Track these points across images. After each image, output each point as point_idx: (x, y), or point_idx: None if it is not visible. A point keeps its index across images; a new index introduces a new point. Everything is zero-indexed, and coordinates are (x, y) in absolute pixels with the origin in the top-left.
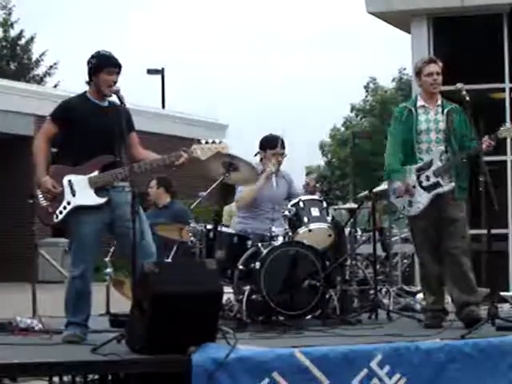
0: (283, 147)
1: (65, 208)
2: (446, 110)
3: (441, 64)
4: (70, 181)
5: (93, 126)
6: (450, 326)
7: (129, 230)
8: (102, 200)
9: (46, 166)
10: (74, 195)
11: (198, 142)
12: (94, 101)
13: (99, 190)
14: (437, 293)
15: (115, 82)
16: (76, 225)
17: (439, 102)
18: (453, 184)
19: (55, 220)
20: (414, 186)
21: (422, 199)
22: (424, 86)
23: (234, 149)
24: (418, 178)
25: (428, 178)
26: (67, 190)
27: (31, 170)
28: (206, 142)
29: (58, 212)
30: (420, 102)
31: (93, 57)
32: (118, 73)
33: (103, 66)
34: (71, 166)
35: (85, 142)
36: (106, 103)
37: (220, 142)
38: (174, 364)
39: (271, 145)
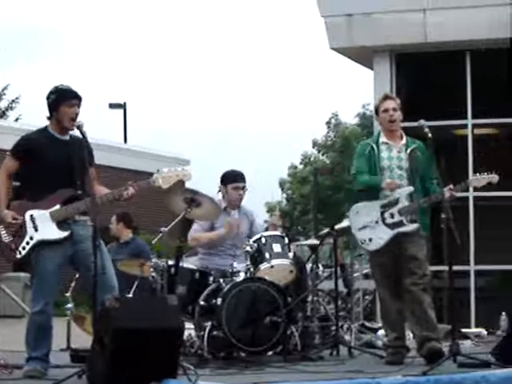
0: (244, 181)
1: (27, 243)
2: (409, 149)
3: (398, 100)
4: (31, 216)
5: (53, 160)
6: (411, 362)
7: (90, 264)
8: (64, 234)
9: (7, 202)
10: (36, 230)
11: (158, 171)
12: (54, 135)
13: (61, 224)
14: (397, 329)
15: (77, 114)
16: (38, 260)
17: (404, 141)
18: (416, 225)
19: (18, 256)
20: (376, 222)
21: (384, 235)
22: (382, 123)
23: (197, 184)
24: (382, 214)
25: (392, 216)
26: (29, 225)
27: None
28: (169, 169)
29: (20, 248)
30: (382, 139)
31: (52, 92)
32: (79, 105)
33: (63, 99)
34: (33, 200)
35: (45, 177)
36: (67, 137)
37: (182, 169)
38: None
39: (232, 179)
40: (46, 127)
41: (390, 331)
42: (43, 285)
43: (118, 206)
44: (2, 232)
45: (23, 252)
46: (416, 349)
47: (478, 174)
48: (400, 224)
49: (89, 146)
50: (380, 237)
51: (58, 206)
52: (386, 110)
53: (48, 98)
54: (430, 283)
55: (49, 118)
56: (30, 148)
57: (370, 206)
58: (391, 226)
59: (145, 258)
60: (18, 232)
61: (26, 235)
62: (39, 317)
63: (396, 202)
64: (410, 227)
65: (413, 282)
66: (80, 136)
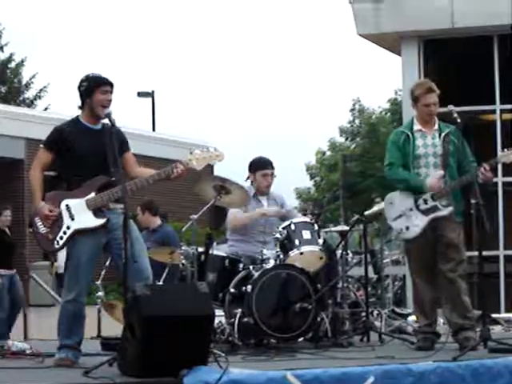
0: (272, 167)
1: (65, 233)
2: (443, 134)
3: (438, 91)
4: (67, 205)
5: (87, 150)
6: (442, 348)
7: (122, 253)
8: (100, 221)
9: (42, 194)
10: (72, 219)
11: (191, 153)
12: (86, 125)
13: (97, 212)
14: (430, 316)
15: (110, 101)
16: (73, 248)
17: (436, 127)
18: (450, 208)
19: (56, 246)
20: (411, 209)
21: (419, 222)
22: (420, 114)
23: (224, 171)
24: (416, 201)
25: (426, 202)
26: (66, 215)
27: (22, 193)
28: (202, 151)
29: (58, 238)
30: (416, 127)
31: (83, 80)
32: (111, 91)
33: (96, 85)
34: (68, 190)
35: (80, 166)
36: (98, 126)
37: (215, 150)
38: None
39: (260, 166)
40: (78, 117)
41: (422, 317)
42: (77, 273)
43: (143, 194)
44: (39, 223)
45: (61, 242)
46: (451, 334)
47: (505, 150)
48: (434, 209)
49: (121, 133)
50: (416, 224)
51: (93, 194)
52: (427, 105)
53: (80, 86)
54: (466, 270)
55: (80, 108)
56: (63, 139)
57: (403, 194)
58: (426, 212)
59: (173, 246)
60: (55, 223)
61: (63, 225)
62: (72, 305)
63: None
64: (445, 211)
65: (450, 269)
66: (113, 120)
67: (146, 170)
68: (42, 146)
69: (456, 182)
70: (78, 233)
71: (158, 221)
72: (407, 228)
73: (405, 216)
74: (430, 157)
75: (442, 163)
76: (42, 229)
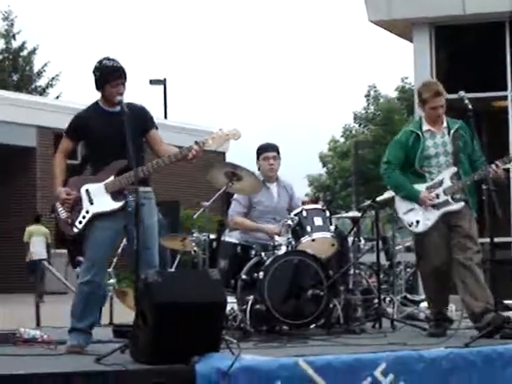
0: (274, 150)
1: (84, 217)
2: (452, 131)
3: (445, 94)
4: (87, 190)
5: (106, 134)
6: (454, 334)
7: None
8: (118, 204)
9: (64, 180)
10: (91, 203)
11: (211, 132)
12: (105, 109)
13: (116, 195)
14: (441, 303)
15: (122, 92)
16: (91, 231)
17: (444, 124)
18: (462, 203)
19: (76, 230)
20: (427, 205)
21: (431, 216)
22: (428, 115)
23: (237, 158)
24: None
25: (438, 196)
26: (85, 199)
27: (34, 180)
28: (220, 130)
29: (77, 222)
30: (425, 127)
31: (97, 68)
32: (124, 83)
33: (106, 80)
34: (91, 175)
35: (100, 151)
36: (117, 109)
37: (233, 129)
38: (178, 374)
39: (262, 150)
40: (97, 102)
41: (433, 304)
42: (94, 256)
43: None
44: (60, 209)
45: (79, 226)
46: (473, 322)
47: None
48: (446, 203)
49: (144, 111)
50: (427, 218)
51: (111, 178)
52: (435, 108)
53: (94, 73)
54: (481, 259)
55: (97, 90)
56: (82, 126)
57: (418, 189)
58: (437, 207)
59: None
60: (75, 207)
61: (83, 210)
62: (86, 287)
63: (441, 182)
64: (456, 205)
65: (468, 257)
66: (133, 104)
67: (171, 148)
68: (64, 134)
69: (468, 179)
70: (97, 216)
71: None
72: (417, 222)
73: (415, 210)
74: (441, 156)
75: (453, 161)
76: (63, 214)
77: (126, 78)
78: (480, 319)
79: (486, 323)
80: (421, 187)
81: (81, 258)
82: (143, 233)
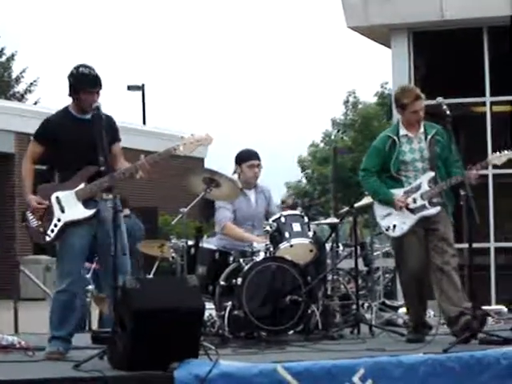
0: (258, 159)
1: (55, 226)
2: (429, 137)
3: (424, 97)
4: (57, 197)
5: (76, 140)
6: (432, 340)
7: (106, 245)
8: (90, 212)
9: (33, 187)
10: (62, 211)
11: (182, 138)
12: (75, 115)
13: (87, 202)
14: (419, 308)
15: (96, 100)
16: (64, 239)
17: (422, 130)
18: (438, 208)
19: (48, 239)
20: (400, 208)
21: (407, 220)
22: (407, 120)
23: (216, 164)
24: (404, 198)
25: (415, 201)
26: (56, 207)
27: (13, 187)
28: (192, 135)
29: (49, 231)
30: (403, 131)
31: (72, 74)
32: (99, 92)
33: (81, 87)
34: (59, 181)
35: (70, 157)
36: (88, 116)
37: (205, 134)
38: (157, 380)
39: (246, 157)
40: (67, 107)
41: (412, 310)
42: (69, 264)
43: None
44: (30, 217)
45: (52, 235)
46: (448, 326)
47: (497, 152)
48: (422, 208)
49: (112, 122)
50: (403, 222)
51: (82, 185)
52: (415, 112)
53: (69, 79)
54: (457, 263)
55: (70, 96)
56: (51, 131)
57: (393, 193)
58: (414, 211)
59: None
60: (46, 216)
61: (54, 218)
62: (63, 295)
63: (418, 187)
64: (433, 210)
65: (445, 262)
66: (102, 113)
67: (126, 163)
68: (32, 138)
69: (444, 184)
70: (69, 225)
71: (126, 211)
72: (394, 226)
73: (392, 215)
74: (418, 162)
75: (430, 166)
76: (34, 222)
77: (101, 87)
78: (456, 323)
79: (462, 327)
80: (399, 192)
81: None
82: (120, 240)
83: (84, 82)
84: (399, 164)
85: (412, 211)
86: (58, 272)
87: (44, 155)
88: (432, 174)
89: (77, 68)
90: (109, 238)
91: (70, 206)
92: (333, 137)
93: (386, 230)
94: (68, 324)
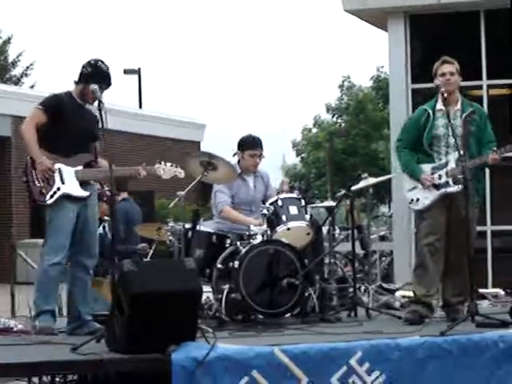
0: (261, 148)
1: (55, 193)
2: (464, 115)
3: (457, 65)
4: (59, 169)
5: (78, 124)
6: (429, 322)
7: (84, 228)
8: (85, 193)
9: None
10: (63, 183)
11: (159, 162)
12: (79, 102)
13: (82, 185)
14: (430, 286)
15: (99, 96)
16: (59, 212)
17: (459, 106)
18: (460, 186)
19: (47, 201)
20: (426, 186)
21: (430, 195)
22: (439, 87)
23: (213, 148)
24: (432, 175)
25: (440, 177)
26: (57, 177)
27: (9, 170)
28: (166, 164)
29: (48, 196)
30: (439, 105)
31: (90, 65)
32: (106, 89)
33: (96, 81)
34: (50, 153)
35: (70, 137)
36: (88, 106)
37: (179, 168)
38: (154, 363)
39: (249, 146)
40: (71, 93)
41: (420, 287)
42: (61, 237)
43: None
44: (35, 176)
45: (50, 200)
46: (441, 306)
47: None
48: (446, 185)
49: (104, 121)
50: (426, 196)
51: (80, 167)
52: (443, 74)
53: (84, 67)
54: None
55: (76, 83)
56: (60, 108)
57: (422, 168)
58: (437, 187)
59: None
60: (49, 180)
61: (55, 185)
62: (55, 269)
63: (446, 164)
64: (454, 188)
65: (460, 243)
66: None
67: (103, 162)
68: (39, 106)
69: (470, 163)
70: (66, 197)
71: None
72: (417, 200)
73: (417, 188)
74: (450, 137)
75: (462, 143)
76: (38, 182)
77: (109, 86)
78: (448, 307)
79: (453, 310)
80: (427, 167)
81: None
82: (93, 224)
83: (99, 78)
84: (432, 138)
85: (436, 187)
86: (49, 245)
87: (43, 127)
88: (462, 152)
89: (96, 61)
90: (89, 224)
91: (69, 181)
92: (325, 123)
93: (410, 202)
94: (55, 298)
